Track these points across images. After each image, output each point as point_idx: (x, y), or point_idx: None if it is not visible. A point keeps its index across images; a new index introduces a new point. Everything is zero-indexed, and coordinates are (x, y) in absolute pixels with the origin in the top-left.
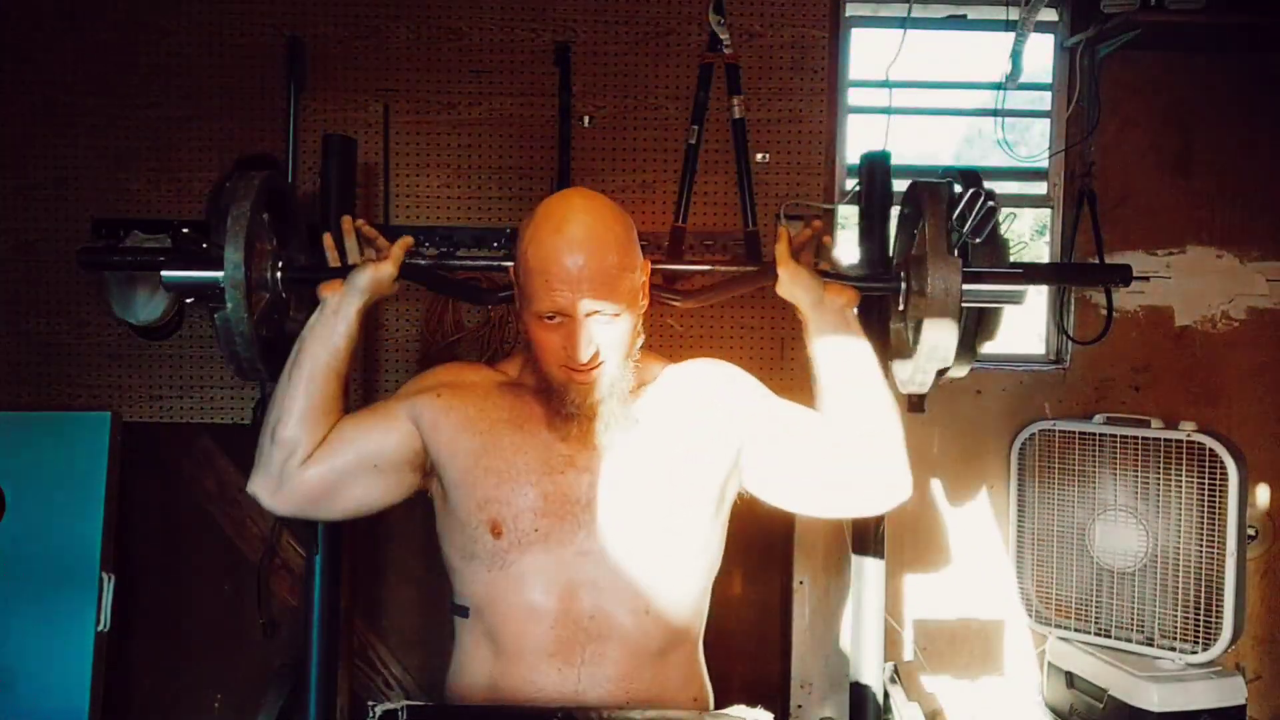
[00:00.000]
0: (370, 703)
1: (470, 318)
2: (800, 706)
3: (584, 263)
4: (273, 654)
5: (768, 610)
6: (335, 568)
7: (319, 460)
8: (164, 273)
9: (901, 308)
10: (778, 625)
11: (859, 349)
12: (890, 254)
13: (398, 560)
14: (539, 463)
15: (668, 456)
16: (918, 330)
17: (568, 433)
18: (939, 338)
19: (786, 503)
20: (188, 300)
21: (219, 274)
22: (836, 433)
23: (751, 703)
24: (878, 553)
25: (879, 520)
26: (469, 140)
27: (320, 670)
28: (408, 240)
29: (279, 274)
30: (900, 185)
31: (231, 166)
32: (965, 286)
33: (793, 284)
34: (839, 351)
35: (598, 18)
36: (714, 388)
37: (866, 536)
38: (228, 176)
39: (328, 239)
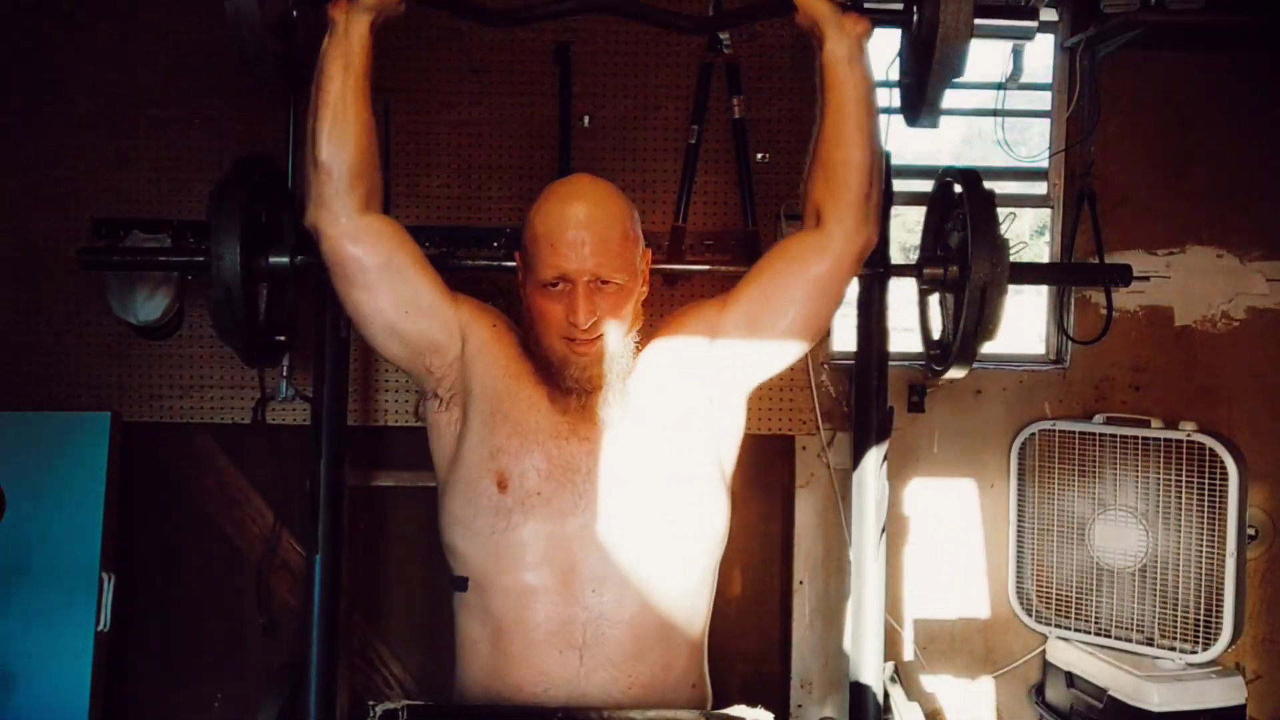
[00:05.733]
0: (370, 702)
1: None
2: (800, 706)
3: (589, 230)
4: (273, 654)
5: (768, 610)
6: (335, 568)
7: (377, 221)
8: None
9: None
10: (778, 625)
11: (868, 75)
12: (889, 252)
13: (398, 560)
14: (548, 424)
15: (663, 428)
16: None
17: (567, 406)
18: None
19: (776, 322)
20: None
21: None
22: (821, 163)
23: (751, 703)
24: (877, 553)
25: (879, 519)
26: (469, 140)
27: (320, 670)
28: None
29: None
30: (900, 185)
31: (231, 167)
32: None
33: (815, 3)
34: (850, 74)
35: (598, 18)
36: (687, 334)
37: (866, 536)
38: (228, 176)
39: None
